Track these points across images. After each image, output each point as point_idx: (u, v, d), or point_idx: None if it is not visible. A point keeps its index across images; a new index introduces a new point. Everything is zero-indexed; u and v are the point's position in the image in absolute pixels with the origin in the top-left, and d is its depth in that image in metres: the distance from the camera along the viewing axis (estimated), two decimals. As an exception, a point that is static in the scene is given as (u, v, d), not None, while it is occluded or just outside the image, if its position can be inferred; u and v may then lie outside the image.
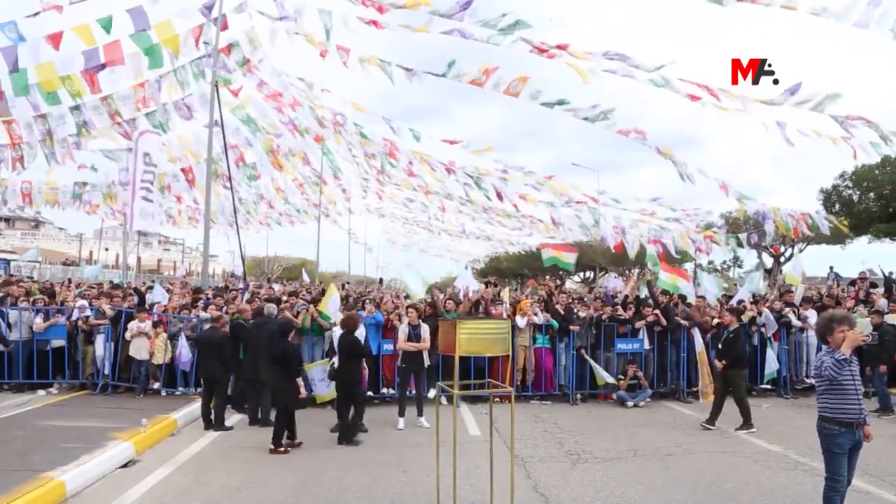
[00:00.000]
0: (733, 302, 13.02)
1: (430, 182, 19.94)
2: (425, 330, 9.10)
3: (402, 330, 9.18)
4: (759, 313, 11.77)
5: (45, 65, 12.25)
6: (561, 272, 45.07)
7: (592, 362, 10.85)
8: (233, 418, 9.10)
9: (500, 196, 18.06)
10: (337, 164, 23.85)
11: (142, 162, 13.59)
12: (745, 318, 11.31)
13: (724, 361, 9.06)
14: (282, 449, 7.43)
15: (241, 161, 19.64)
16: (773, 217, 16.49)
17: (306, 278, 22.88)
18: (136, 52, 12.77)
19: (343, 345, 8.06)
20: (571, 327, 11.02)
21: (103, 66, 12.61)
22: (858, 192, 26.86)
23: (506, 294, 13.45)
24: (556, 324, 10.99)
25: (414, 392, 9.16)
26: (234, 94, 16.51)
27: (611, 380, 10.70)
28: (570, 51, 11.01)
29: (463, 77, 11.94)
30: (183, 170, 19.41)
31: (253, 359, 8.96)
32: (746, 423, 8.74)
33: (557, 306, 11.64)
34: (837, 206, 26.92)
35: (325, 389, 9.81)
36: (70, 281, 17.04)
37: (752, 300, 13.17)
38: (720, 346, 9.43)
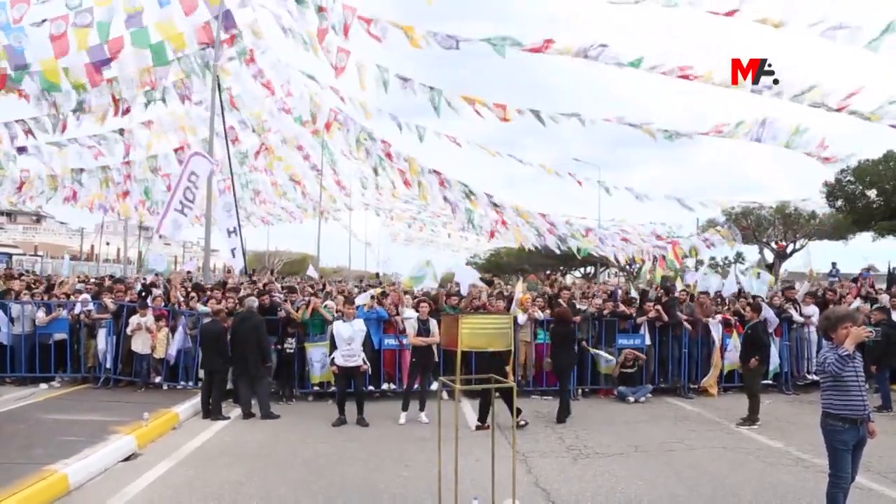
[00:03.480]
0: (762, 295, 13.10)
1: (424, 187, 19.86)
2: (434, 325, 9.18)
3: (412, 325, 9.21)
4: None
5: (48, 60, 12.31)
6: (561, 267, 45.10)
7: (594, 350, 10.81)
8: (233, 412, 9.13)
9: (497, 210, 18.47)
10: (335, 159, 23.85)
11: (186, 179, 13.31)
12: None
13: (757, 357, 9.12)
14: (487, 426, 7.90)
15: (236, 141, 19.59)
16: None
17: (313, 273, 21.83)
18: (140, 48, 12.83)
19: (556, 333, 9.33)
20: (575, 318, 11.01)
21: (108, 61, 12.65)
22: (861, 188, 26.74)
23: (520, 286, 13.21)
24: None
25: (418, 387, 9.17)
26: (232, 104, 16.69)
27: (611, 359, 10.69)
28: (555, 48, 11.38)
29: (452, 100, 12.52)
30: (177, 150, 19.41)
31: (241, 354, 9.02)
32: (750, 419, 8.75)
33: (560, 301, 11.62)
34: (841, 201, 26.81)
35: (320, 371, 10.03)
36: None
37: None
38: (742, 342, 9.49)
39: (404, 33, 11.53)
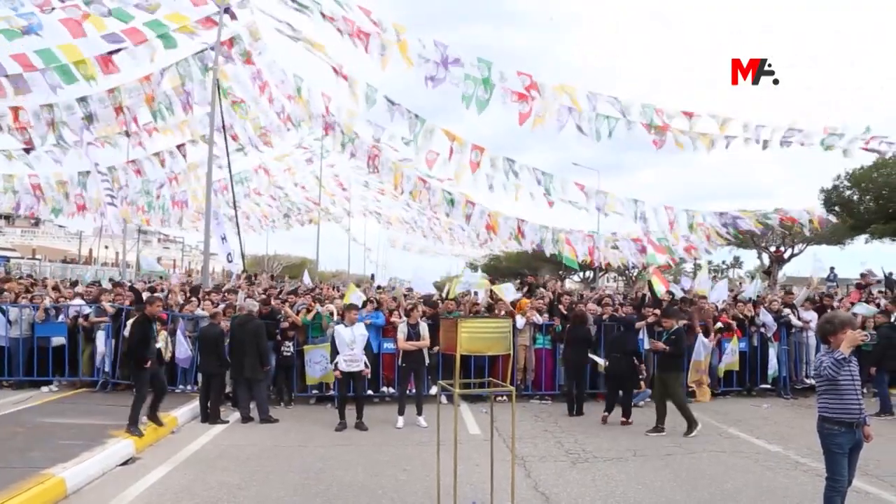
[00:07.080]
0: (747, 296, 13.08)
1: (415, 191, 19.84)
2: (424, 328, 9.22)
3: (401, 329, 9.23)
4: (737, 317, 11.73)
5: (67, 46, 12.42)
6: (560, 271, 45.08)
7: (592, 356, 10.79)
8: (232, 415, 9.13)
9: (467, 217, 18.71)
10: (333, 161, 23.95)
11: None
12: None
13: (666, 349, 8.75)
14: (630, 421, 9.07)
15: (234, 139, 19.62)
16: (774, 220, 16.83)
17: (307, 280, 21.19)
18: (151, 35, 12.94)
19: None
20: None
21: (118, 50, 12.73)
22: (858, 194, 26.78)
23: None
24: (559, 328, 10.99)
25: (413, 391, 9.18)
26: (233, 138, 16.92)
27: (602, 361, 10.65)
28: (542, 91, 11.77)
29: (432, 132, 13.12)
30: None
31: (239, 357, 9.04)
32: (690, 428, 8.41)
33: (560, 307, 11.62)
34: (838, 207, 26.85)
35: (320, 373, 9.98)
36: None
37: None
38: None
39: (399, 52, 11.80)
